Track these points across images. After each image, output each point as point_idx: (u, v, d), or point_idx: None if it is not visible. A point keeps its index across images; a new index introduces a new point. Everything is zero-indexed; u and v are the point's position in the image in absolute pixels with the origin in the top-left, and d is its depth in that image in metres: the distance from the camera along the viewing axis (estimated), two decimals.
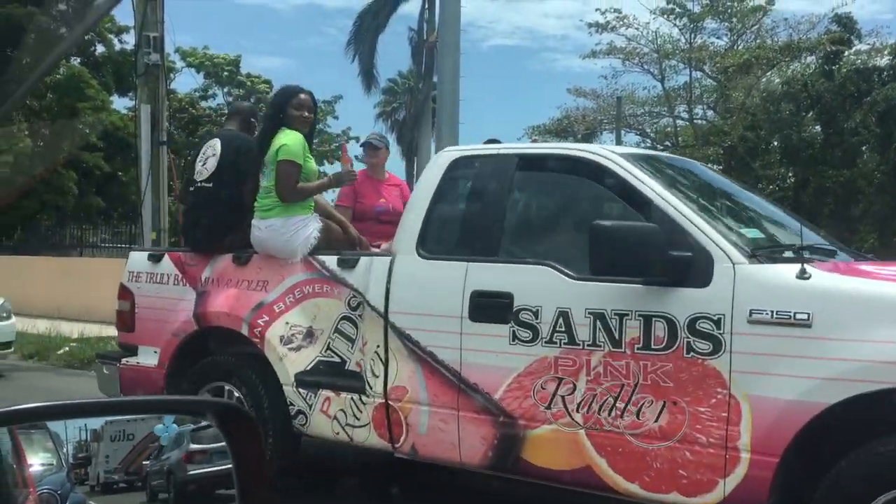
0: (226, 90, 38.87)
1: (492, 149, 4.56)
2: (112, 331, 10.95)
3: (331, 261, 4.62)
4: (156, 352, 5.10)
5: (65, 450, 1.07)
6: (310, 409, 4.47)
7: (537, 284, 3.85)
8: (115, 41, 28.02)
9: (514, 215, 4.34)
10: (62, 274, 16.49)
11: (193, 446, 1.09)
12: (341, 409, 4.38)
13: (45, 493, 1.01)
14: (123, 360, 5.29)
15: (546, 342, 3.75)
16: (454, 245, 4.32)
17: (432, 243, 4.32)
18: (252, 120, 5.88)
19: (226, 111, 39.28)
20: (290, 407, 4.54)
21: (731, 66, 26.31)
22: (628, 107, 30.36)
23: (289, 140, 4.90)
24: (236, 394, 4.74)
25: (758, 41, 26.98)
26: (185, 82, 44.87)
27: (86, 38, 23.34)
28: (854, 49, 24.02)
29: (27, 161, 23.12)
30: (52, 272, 16.71)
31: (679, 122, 31.66)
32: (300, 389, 4.51)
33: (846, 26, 23.77)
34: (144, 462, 1.08)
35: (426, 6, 32.50)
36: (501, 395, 3.85)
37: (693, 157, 30.42)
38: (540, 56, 71.41)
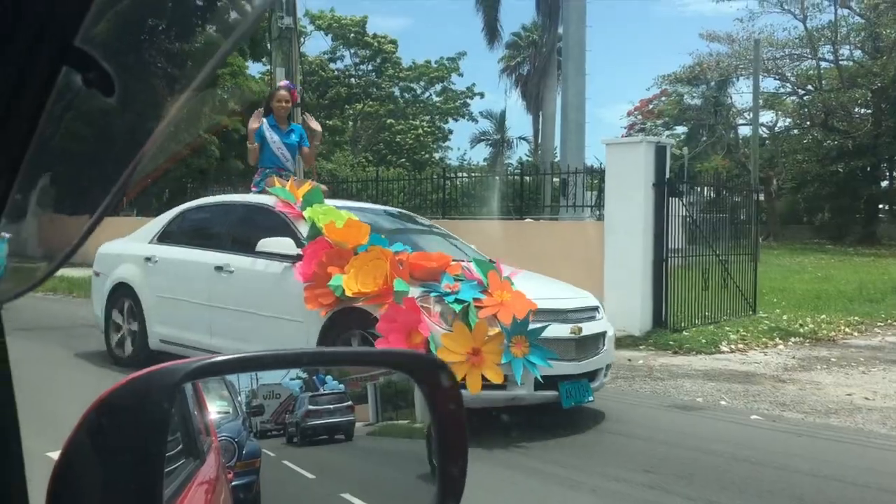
0: (353, 51, 39.19)
1: None
2: None
3: None
4: None
5: (238, 398, 1.09)
6: None
7: None
8: (247, 6, 28.93)
9: None
10: None
11: (310, 407, 1.15)
12: None
13: (224, 440, 1.03)
14: None
15: None
16: None
17: None
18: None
19: (353, 73, 39.93)
20: None
21: (882, 1, 24.40)
22: (766, 50, 28.75)
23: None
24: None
25: None
26: (314, 45, 45.78)
27: (219, 3, 24.12)
28: None
29: (174, 129, 24.38)
30: None
31: (823, 63, 29.78)
32: None
33: None
34: (286, 414, 1.14)
35: None
36: None
37: (839, 100, 28.62)
38: (669, 0, 68.70)
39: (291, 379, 1.12)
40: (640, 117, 41.10)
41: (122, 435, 0.78)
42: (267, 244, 5.93)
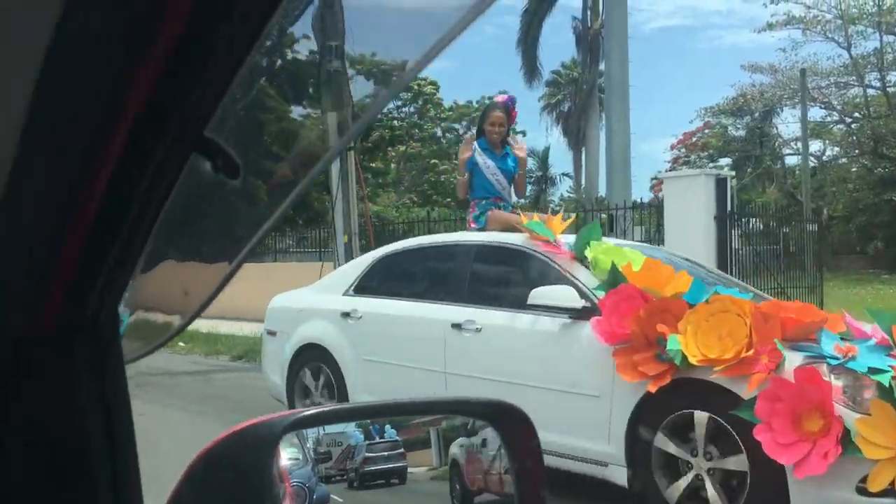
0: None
1: None
2: None
3: None
4: None
5: (308, 445, 1.15)
6: None
7: None
8: (288, 52, 29.20)
9: None
10: (264, 279, 17.36)
11: (367, 454, 1.20)
12: None
13: (296, 486, 1.09)
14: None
15: None
16: None
17: None
18: None
19: (394, 115, 40.39)
20: None
21: None
22: (811, 79, 28.50)
23: None
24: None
25: None
26: (356, 89, 46.53)
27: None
28: None
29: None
30: (257, 277, 17.63)
31: (870, 91, 29.35)
32: None
33: None
34: (347, 461, 1.20)
35: None
36: None
37: (888, 127, 28.11)
38: (704, 34, 68.70)
39: (354, 428, 1.17)
40: (683, 150, 40.84)
41: (225, 489, 0.80)
42: (541, 295, 4.61)
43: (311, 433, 1.18)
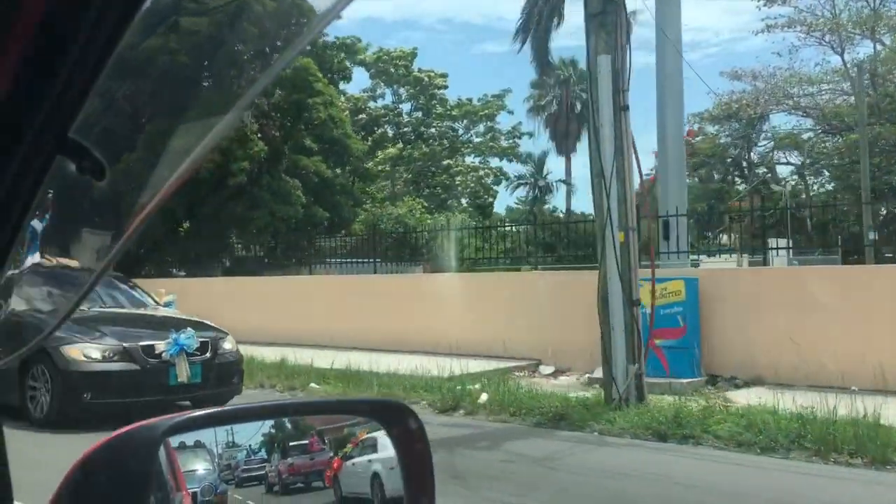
0: (394, 88, 36.83)
1: None
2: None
3: None
4: None
5: (216, 452, 1.16)
6: None
7: None
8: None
9: None
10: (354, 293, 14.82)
11: (288, 460, 1.19)
12: None
13: (195, 490, 1.09)
14: None
15: None
16: None
17: None
18: None
19: (400, 111, 36.79)
20: None
21: None
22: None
23: None
24: None
25: None
26: (357, 82, 43.16)
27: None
28: None
29: (256, 167, 20.93)
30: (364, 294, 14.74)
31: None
32: None
33: None
34: (264, 465, 1.19)
35: None
36: None
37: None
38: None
39: (263, 434, 1.18)
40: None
41: (104, 494, 0.80)
42: None
43: (222, 438, 1.18)
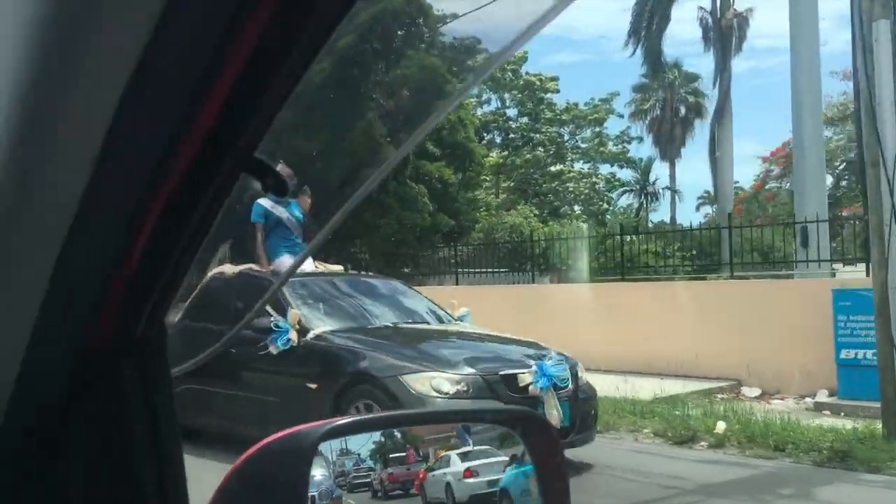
0: (498, 95, 35.87)
1: None
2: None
3: None
4: None
5: (331, 458, 1.25)
6: None
7: None
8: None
9: None
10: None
11: (390, 469, 1.24)
12: None
13: (313, 495, 1.19)
14: None
15: None
16: None
17: None
18: None
19: (512, 118, 35.61)
20: None
21: None
22: None
23: None
24: None
25: None
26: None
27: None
28: None
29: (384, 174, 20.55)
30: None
31: None
32: None
33: None
34: (371, 472, 1.25)
35: None
36: None
37: None
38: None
39: (374, 442, 1.29)
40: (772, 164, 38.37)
41: (260, 501, 0.80)
42: None
43: (337, 446, 1.28)
